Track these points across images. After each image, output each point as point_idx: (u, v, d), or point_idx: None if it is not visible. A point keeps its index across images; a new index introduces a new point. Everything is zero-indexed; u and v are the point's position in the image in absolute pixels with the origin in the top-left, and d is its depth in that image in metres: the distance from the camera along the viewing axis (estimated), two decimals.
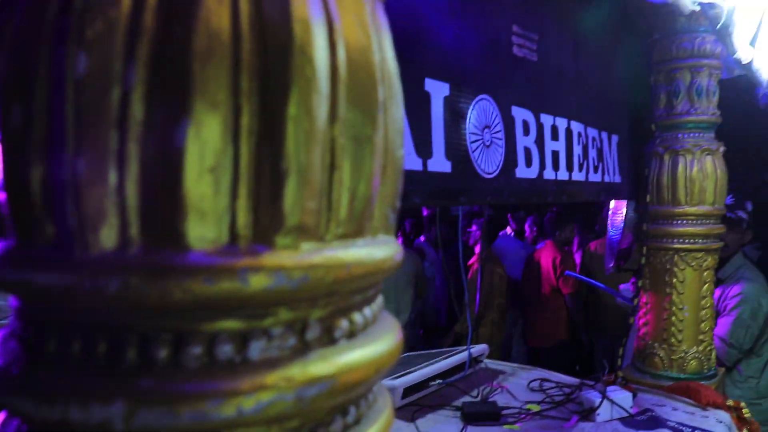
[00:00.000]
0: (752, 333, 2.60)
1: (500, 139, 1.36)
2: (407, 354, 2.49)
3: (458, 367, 2.28)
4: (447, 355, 2.29)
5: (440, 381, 2.06)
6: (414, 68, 1.08)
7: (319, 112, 0.36)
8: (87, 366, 0.35)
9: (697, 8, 1.20)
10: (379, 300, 0.49)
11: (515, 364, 2.49)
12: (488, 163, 1.30)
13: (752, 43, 1.59)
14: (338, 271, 0.38)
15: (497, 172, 1.34)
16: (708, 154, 2.17)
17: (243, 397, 0.34)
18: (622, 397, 1.94)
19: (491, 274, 3.85)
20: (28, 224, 0.37)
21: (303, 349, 0.38)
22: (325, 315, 0.40)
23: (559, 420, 1.91)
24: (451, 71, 1.18)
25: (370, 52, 0.40)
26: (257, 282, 0.35)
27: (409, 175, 1.08)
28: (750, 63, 1.64)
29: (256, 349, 0.36)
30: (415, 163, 1.08)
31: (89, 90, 0.34)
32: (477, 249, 4.03)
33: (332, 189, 0.38)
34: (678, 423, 1.82)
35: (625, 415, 1.93)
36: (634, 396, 1.99)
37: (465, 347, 2.34)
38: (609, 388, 1.96)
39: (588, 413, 1.91)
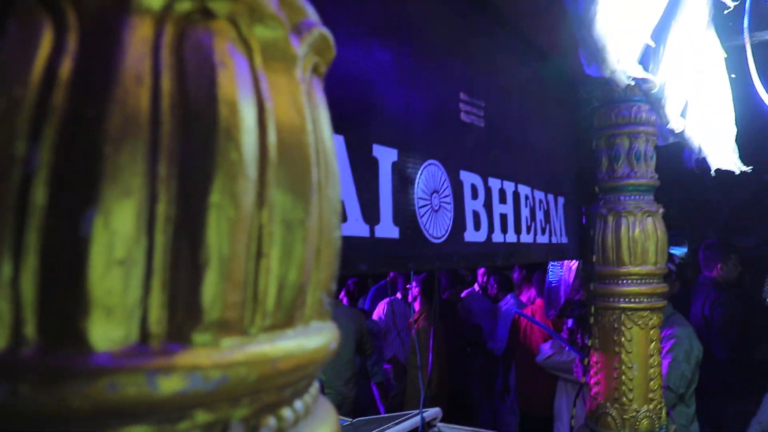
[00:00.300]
0: (686, 376, 2.75)
1: (449, 203, 1.37)
2: (359, 419, 2.40)
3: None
4: (399, 420, 2.22)
5: None
6: (362, 134, 1.08)
7: (245, 198, 0.34)
8: None
9: (632, 83, 1.27)
10: (314, 389, 0.46)
11: (470, 428, 2.43)
12: (436, 228, 1.30)
13: (683, 114, 1.69)
14: (263, 367, 0.35)
15: (446, 236, 1.34)
16: (648, 216, 2.26)
17: None
18: None
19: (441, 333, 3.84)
20: None
21: None
22: (249, 414, 0.36)
23: None
24: (399, 137, 1.19)
25: (304, 133, 0.39)
26: (168, 385, 0.31)
27: (356, 242, 1.06)
28: (682, 132, 1.74)
29: None
30: (362, 230, 1.07)
31: None
32: (416, 306, 4.07)
33: (258, 279, 0.35)
34: None
35: None
36: None
37: (418, 411, 2.28)
38: None
39: None
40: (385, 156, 1.14)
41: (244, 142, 0.34)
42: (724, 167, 1.97)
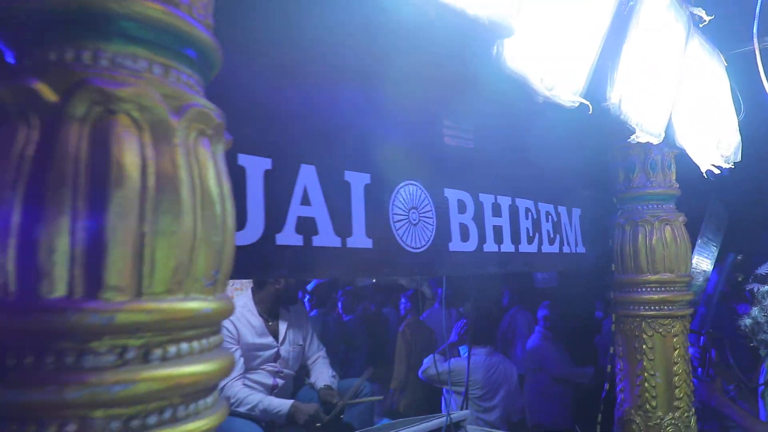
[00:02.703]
0: None
1: (430, 217, 1.57)
2: (393, 421, 2.59)
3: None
4: (426, 420, 2.39)
5: None
6: (334, 163, 1.33)
7: (131, 217, 0.60)
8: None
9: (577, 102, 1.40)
10: (209, 340, 0.70)
11: (496, 430, 2.55)
12: (415, 239, 1.51)
13: (669, 122, 1.78)
14: (150, 316, 0.60)
15: (426, 246, 1.54)
16: (667, 224, 2.31)
17: (71, 388, 0.56)
18: None
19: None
20: None
21: (121, 364, 0.60)
22: (141, 344, 0.62)
23: None
24: (371, 163, 1.42)
25: (177, 178, 0.64)
26: (83, 319, 0.57)
27: (328, 251, 1.30)
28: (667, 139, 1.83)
29: (88, 361, 0.58)
30: (333, 241, 1.30)
31: None
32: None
33: (142, 264, 0.61)
34: None
35: None
36: None
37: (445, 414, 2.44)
38: None
39: None
40: (358, 180, 1.37)
41: (128, 184, 0.60)
42: (711, 167, 1.99)
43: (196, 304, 0.66)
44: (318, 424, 2.68)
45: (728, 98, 2.05)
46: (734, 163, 2.09)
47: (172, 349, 0.64)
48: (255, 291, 3.20)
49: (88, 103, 0.60)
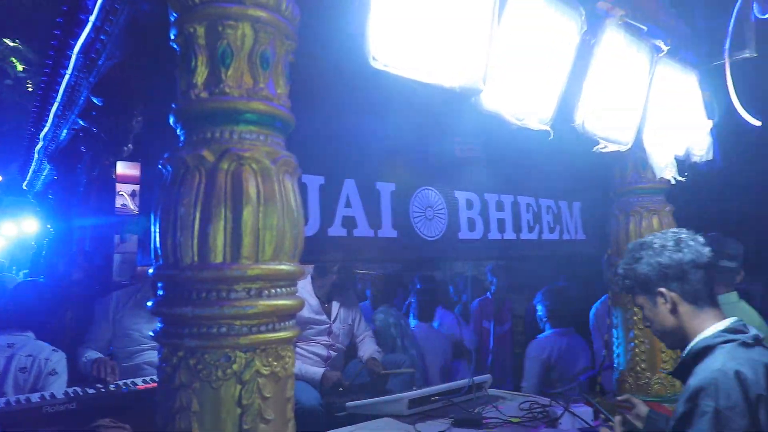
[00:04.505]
0: None
1: (443, 214, 2.06)
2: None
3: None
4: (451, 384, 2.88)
5: (439, 397, 2.65)
6: (368, 177, 1.85)
7: (252, 216, 1.14)
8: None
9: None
10: (290, 289, 1.24)
11: (516, 392, 3.02)
12: (430, 231, 2.01)
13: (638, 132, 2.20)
14: (261, 271, 1.15)
15: (439, 236, 2.03)
16: (654, 214, 2.72)
17: (225, 308, 1.11)
18: (584, 411, 2.45)
19: None
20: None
21: (248, 297, 1.14)
22: (257, 287, 1.16)
23: (530, 428, 2.44)
24: (396, 175, 1.93)
25: (274, 196, 1.18)
26: (231, 273, 1.12)
27: (364, 240, 1.82)
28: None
29: (232, 295, 1.13)
30: (368, 232, 1.82)
31: None
32: None
33: (258, 243, 1.15)
34: None
35: (586, 425, 2.43)
36: (595, 410, 2.49)
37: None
38: (573, 405, 2.48)
39: (553, 422, 2.44)
40: (385, 188, 1.89)
41: (251, 202, 1.14)
42: (665, 176, 2.38)
43: (285, 267, 1.20)
44: (341, 389, 3.29)
45: (699, 106, 2.43)
46: (706, 162, 2.47)
47: (273, 291, 1.19)
48: (314, 278, 3.81)
49: (229, 161, 1.14)
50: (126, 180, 4.02)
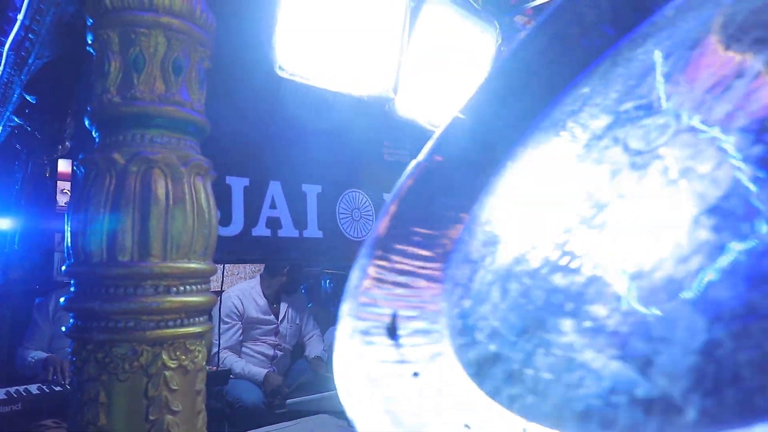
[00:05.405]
0: None
1: (370, 214, 2.15)
2: None
3: None
4: None
5: None
6: (294, 179, 1.92)
7: (159, 218, 1.20)
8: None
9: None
10: (201, 286, 1.30)
11: None
12: (357, 231, 2.09)
13: None
14: (170, 269, 1.20)
15: (366, 236, 2.11)
16: None
17: (132, 304, 1.16)
18: None
19: None
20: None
21: (156, 294, 1.19)
22: (165, 284, 1.21)
23: None
24: (323, 177, 2.00)
25: (184, 198, 1.24)
26: (139, 270, 1.17)
27: (289, 240, 1.89)
28: None
29: (140, 291, 1.18)
30: (293, 233, 1.89)
31: None
32: None
33: (166, 241, 1.20)
34: None
35: None
36: None
37: None
38: None
39: None
40: (312, 190, 1.96)
41: (159, 203, 1.19)
42: None
43: (194, 265, 1.26)
44: (279, 396, 3.34)
45: None
46: None
47: (182, 288, 1.24)
48: (263, 278, 3.85)
49: (139, 163, 1.20)
50: (68, 178, 3.96)
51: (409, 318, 0.74)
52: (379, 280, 0.81)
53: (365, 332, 0.70)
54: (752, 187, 0.48)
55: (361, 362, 0.65)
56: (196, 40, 1.32)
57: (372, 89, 1.48)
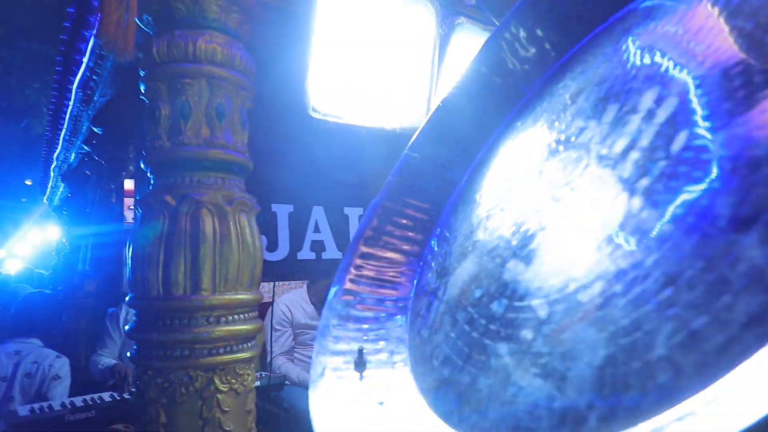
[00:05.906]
0: None
1: None
2: None
3: None
4: None
5: None
6: (335, 202, 1.99)
7: (209, 251, 1.29)
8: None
9: None
10: (248, 315, 1.39)
11: None
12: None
13: None
14: (222, 300, 1.30)
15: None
16: None
17: (185, 334, 1.27)
18: None
19: None
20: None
21: (207, 324, 1.30)
22: (216, 315, 1.31)
23: None
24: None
25: (229, 233, 1.33)
26: (192, 303, 1.28)
27: (332, 263, 1.96)
28: None
29: (193, 323, 1.29)
30: (336, 254, 1.97)
31: None
32: None
33: (215, 275, 1.30)
34: None
35: None
36: None
37: None
38: None
39: None
40: (353, 212, 2.03)
41: (207, 240, 1.30)
42: None
43: (242, 296, 1.35)
44: None
45: None
46: None
47: (231, 317, 1.34)
48: (309, 286, 3.98)
49: (189, 204, 1.30)
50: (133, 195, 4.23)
51: (375, 351, 0.82)
52: (346, 318, 0.90)
53: (335, 368, 0.78)
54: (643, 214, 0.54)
55: (331, 397, 0.73)
56: (237, 84, 1.41)
57: (404, 121, 1.52)
